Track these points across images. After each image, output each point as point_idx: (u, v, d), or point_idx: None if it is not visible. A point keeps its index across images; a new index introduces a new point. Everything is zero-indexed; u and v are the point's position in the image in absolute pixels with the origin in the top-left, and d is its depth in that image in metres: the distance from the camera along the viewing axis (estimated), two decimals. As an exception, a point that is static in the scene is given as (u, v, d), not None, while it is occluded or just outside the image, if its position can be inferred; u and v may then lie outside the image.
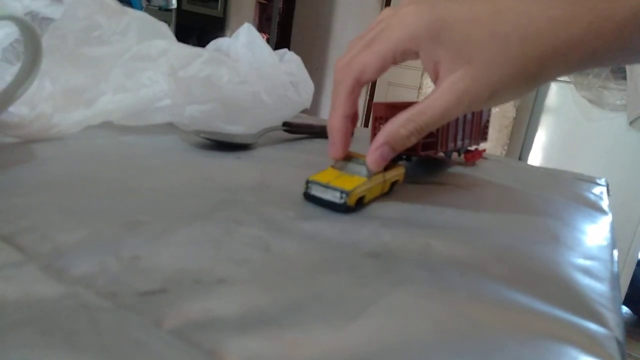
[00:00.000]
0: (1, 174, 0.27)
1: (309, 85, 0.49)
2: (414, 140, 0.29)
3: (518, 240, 0.29)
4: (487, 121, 0.49)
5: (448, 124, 0.40)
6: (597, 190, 0.48)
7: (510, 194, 0.40)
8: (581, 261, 0.27)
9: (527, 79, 0.27)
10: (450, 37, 0.27)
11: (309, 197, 0.29)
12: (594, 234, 0.33)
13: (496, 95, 0.28)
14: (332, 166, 0.31)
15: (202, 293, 0.17)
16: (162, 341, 0.14)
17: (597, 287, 0.24)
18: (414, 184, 0.38)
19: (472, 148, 0.49)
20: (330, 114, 0.32)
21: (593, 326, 0.20)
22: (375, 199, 0.31)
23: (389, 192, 0.33)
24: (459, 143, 0.44)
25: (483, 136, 0.49)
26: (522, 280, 0.23)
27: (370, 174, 0.30)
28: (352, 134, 0.33)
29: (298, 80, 0.48)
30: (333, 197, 0.28)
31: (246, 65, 0.43)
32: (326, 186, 0.28)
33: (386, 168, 0.32)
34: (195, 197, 0.28)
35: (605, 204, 0.43)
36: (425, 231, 0.27)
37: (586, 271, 0.26)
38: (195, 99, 0.39)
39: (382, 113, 0.38)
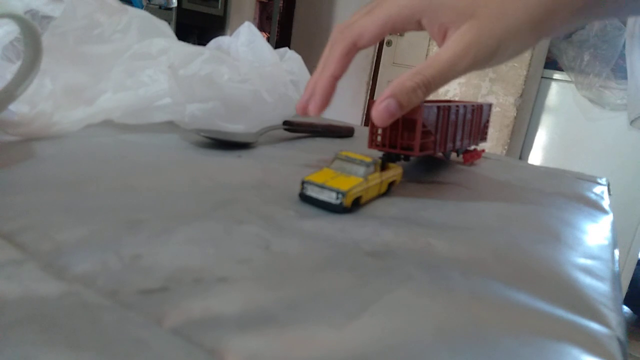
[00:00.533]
0: (2, 172, 0.27)
1: (309, 84, 0.49)
2: (420, 95, 0.28)
3: (519, 239, 0.28)
4: (487, 121, 0.48)
5: (447, 124, 0.39)
6: (598, 189, 0.48)
7: (511, 193, 0.40)
8: (582, 260, 0.27)
9: (532, 29, 0.27)
10: None
11: (304, 198, 0.28)
12: (595, 233, 0.33)
13: (503, 47, 0.27)
14: (328, 166, 0.31)
15: (202, 291, 0.17)
16: (163, 340, 0.14)
17: (599, 287, 0.24)
18: (415, 183, 0.38)
19: (471, 148, 0.48)
20: (318, 71, 0.31)
21: (594, 325, 0.20)
22: (373, 199, 0.31)
23: (387, 192, 0.33)
24: (458, 143, 0.42)
25: (483, 136, 0.48)
26: (523, 279, 0.23)
27: (366, 175, 0.29)
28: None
29: (299, 79, 0.48)
30: (329, 197, 0.27)
31: (247, 64, 0.43)
32: (322, 186, 0.27)
33: (383, 168, 0.32)
34: (195, 195, 0.28)
35: (606, 203, 0.43)
36: (426, 230, 0.27)
37: (587, 270, 0.26)
38: (195, 98, 0.39)
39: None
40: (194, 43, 0.43)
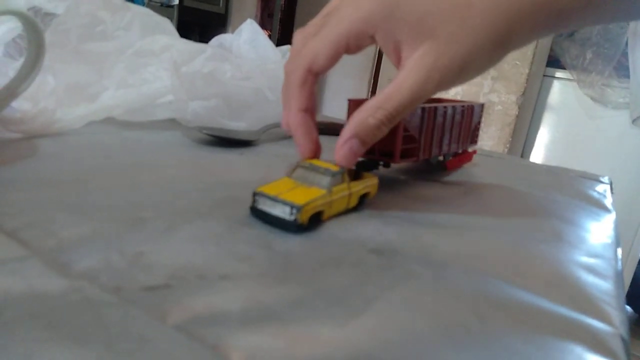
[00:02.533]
0: (5, 169, 0.27)
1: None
2: (385, 130, 0.27)
3: (522, 238, 0.28)
4: (479, 122, 0.43)
5: (432, 127, 0.36)
6: (600, 188, 0.48)
7: (513, 192, 0.40)
8: (585, 259, 0.27)
9: (495, 47, 0.25)
10: (408, 13, 0.25)
11: (256, 213, 0.24)
12: (598, 232, 0.33)
13: (467, 67, 0.25)
14: (289, 175, 0.27)
15: (205, 288, 0.17)
16: (167, 336, 0.14)
17: (602, 285, 0.24)
18: (418, 181, 0.38)
19: (460, 151, 0.42)
20: (284, 111, 0.29)
21: (597, 324, 0.20)
22: (340, 214, 0.27)
23: (359, 206, 0.28)
24: (445, 148, 0.38)
25: (473, 139, 0.43)
26: (526, 277, 0.23)
27: (331, 187, 0.25)
28: (318, 129, 0.30)
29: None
30: (282, 212, 0.23)
31: (249, 62, 0.43)
32: (275, 199, 0.23)
33: (356, 177, 0.29)
34: (198, 193, 0.28)
35: (609, 202, 0.43)
36: (429, 229, 0.27)
37: (590, 269, 0.25)
38: (198, 95, 0.39)
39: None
40: (195, 41, 0.43)
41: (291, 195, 0.24)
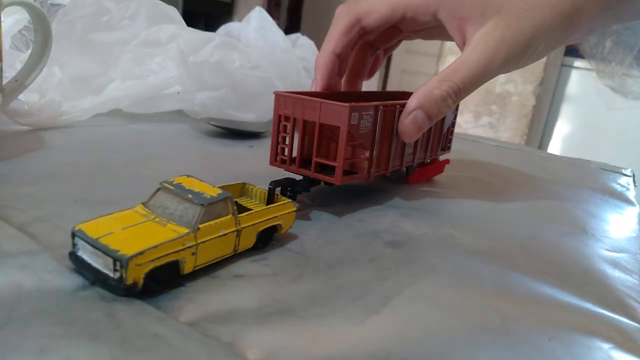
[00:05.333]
0: (13, 162, 0.27)
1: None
2: (450, 105, 0.26)
3: (543, 231, 0.27)
4: (452, 125, 0.35)
5: (391, 132, 0.27)
6: (623, 180, 0.46)
7: (533, 184, 0.39)
8: (610, 253, 0.26)
9: (563, 25, 0.25)
10: None
11: (76, 262, 0.16)
12: (622, 225, 0.32)
13: (534, 45, 0.25)
14: (145, 203, 0.19)
15: (218, 286, 0.17)
16: (181, 333, 0.14)
17: (627, 280, 0.23)
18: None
19: (428, 161, 0.34)
20: (322, 47, 0.28)
21: (624, 320, 0.19)
22: (224, 259, 0.19)
23: (259, 244, 0.20)
24: (409, 158, 0.30)
25: (445, 145, 0.35)
26: (549, 272, 0.22)
27: (198, 223, 0.17)
28: (341, 76, 0.29)
29: (311, 66, 0.47)
30: (104, 265, 0.16)
31: (258, 50, 0.42)
32: (94, 244, 0.16)
33: (270, 202, 0.22)
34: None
35: (632, 194, 0.42)
36: (448, 222, 0.27)
37: (615, 264, 0.25)
38: (205, 85, 0.38)
39: (288, 108, 0.25)
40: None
41: (118, 240, 0.16)
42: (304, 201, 0.26)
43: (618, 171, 0.50)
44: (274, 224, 0.20)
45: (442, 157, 0.36)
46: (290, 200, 0.22)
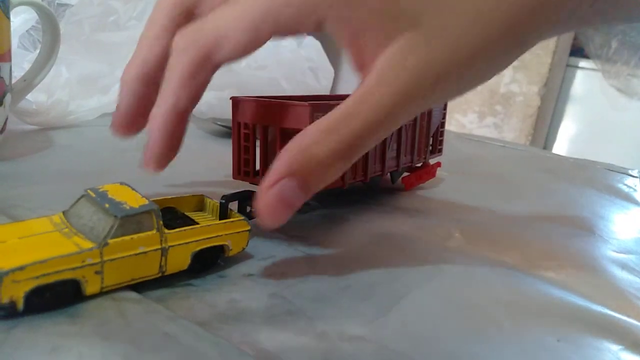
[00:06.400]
0: (21, 161, 0.27)
1: (328, 72, 0.48)
2: (340, 169, 0.17)
3: (552, 232, 0.27)
4: (442, 124, 0.33)
5: None
6: (630, 181, 0.46)
7: (539, 185, 0.39)
8: (618, 255, 0.26)
9: (507, 46, 0.17)
10: None
11: None
12: (630, 227, 0.32)
13: (473, 68, 0.17)
14: (65, 212, 0.17)
15: (227, 285, 0.17)
16: (192, 333, 0.14)
17: (635, 282, 0.23)
18: (440, 173, 0.37)
19: (419, 164, 0.32)
20: (157, 102, 0.18)
21: (633, 321, 0.19)
22: (143, 281, 0.16)
23: (198, 265, 0.17)
24: (391, 163, 0.28)
25: (435, 148, 0.33)
26: (558, 273, 0.22)
27: (108, 237, 0.15)
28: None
29: (317, 66, 0.47)
30: None
31: (263, 50, 0.42)
32: None
33: (224, 217, 0.19)
34: (213, 186, 0.27)
35: (639, 195, 0.42)
36: (454, 223, 0.26)
37: (623, 265, 0.25)
38: (212, 85, 0.38)
39: (247, 115, 0.23)
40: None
41: (2, 252, 0.14)
42: (309, 203, 0.26)
43: (625, 172, 0.50)
44: (215, 244, 0.18)
45: (433, 161, 0.34)
46: (243, 217, 0.19)
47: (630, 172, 0.50)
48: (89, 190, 0.17)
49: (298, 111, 0.21)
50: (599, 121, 1.83)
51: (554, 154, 0.57)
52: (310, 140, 0.16)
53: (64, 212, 0.17)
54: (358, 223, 0.24)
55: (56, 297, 0.14)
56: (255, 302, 0.16)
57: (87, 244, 0.15)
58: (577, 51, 1.81)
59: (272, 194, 0.16)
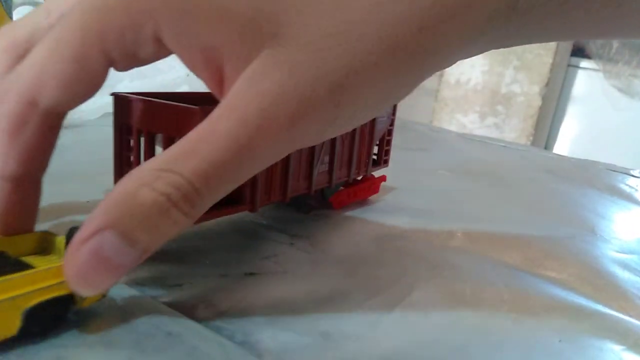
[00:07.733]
0: (19, 160, 0.27)
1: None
2: (182, 221, 0.12)
3: (553, 232, 0.27)
4: (390, 132, 0.28)
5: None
6: (631, 181, 0.46)
7: (541, 185, 0.39)
8: (620, 255, 0.26)
9: (396, 66, 0.13)
10: None
11: None
12: (631, 227, 0.32)
13: (349, 92, 0.13)
14: None
15: (230, 284, 0.17)
16: (195, 332, 0.14)
17: (637, 282, 0.23)
18: (442, 172, 0.37)
19: (359, 178, 0.27)
20: None
21: (635, 322, 0.19)
22: None
23: (37, 328, 0.13)
24: (322, 178, 0.23)
25: (381, 159, 0.28)
26: (559, 273, 0.22)
27: None
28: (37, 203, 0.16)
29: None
30: None
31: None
32: None
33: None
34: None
35: (640, 195, 0.42)
36: (456, 223, 0.27)
37: (625, 265, 0.25)
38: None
39: (131, 116, 0.18)
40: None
41: None
42: (311, 202, 0.26)
43: (626, 172, 0.50)
44: (58, 294, 0.13)
45: (377, 174, 0.28)
46: None
47: (631, 172, 0.50)
48: None
49: (186, 115, 0.16)
50: (600, 121, 1.83)
51: (555, 154, 0.57)
52: (140, 182, 0.12)
53: None
54: (360, 222, 0.24)
55: None
56: (258, 302, 0.16)
57: None
58: (579, 51, 1.81)
59: (85, 250, 0.12)
